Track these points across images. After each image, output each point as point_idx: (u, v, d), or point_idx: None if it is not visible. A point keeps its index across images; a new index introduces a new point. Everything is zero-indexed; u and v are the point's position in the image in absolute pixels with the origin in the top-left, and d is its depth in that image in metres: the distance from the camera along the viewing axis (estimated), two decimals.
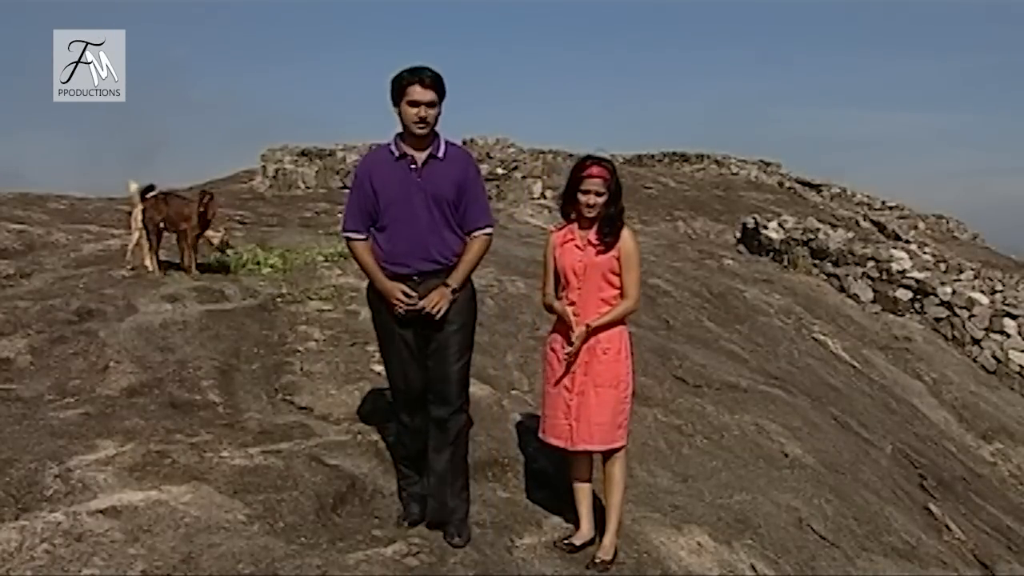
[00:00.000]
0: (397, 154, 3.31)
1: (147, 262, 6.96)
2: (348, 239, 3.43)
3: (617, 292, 3.46)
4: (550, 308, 3.61)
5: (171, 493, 3.39)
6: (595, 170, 3.41)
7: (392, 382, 3.52)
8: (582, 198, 3.41)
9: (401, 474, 3.65)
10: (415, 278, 3.30)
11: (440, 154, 3.32)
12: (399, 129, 3.32)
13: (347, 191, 3.59)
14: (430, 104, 3.22)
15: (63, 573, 2.84)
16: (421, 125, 3.23)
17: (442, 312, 3.28)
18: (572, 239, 3.51)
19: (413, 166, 3.30)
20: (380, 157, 3.39)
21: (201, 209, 6.70)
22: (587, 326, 3.41)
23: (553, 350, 3.55)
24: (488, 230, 3.43)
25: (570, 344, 3.44)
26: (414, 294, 3.28)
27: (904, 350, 10.12)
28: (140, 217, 6.95)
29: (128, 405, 4.38)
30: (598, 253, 3.43)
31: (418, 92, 3.20)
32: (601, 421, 3.42)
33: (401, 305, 3.28)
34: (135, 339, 5.25)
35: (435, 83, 3.22)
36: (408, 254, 3.30)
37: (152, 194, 6.90)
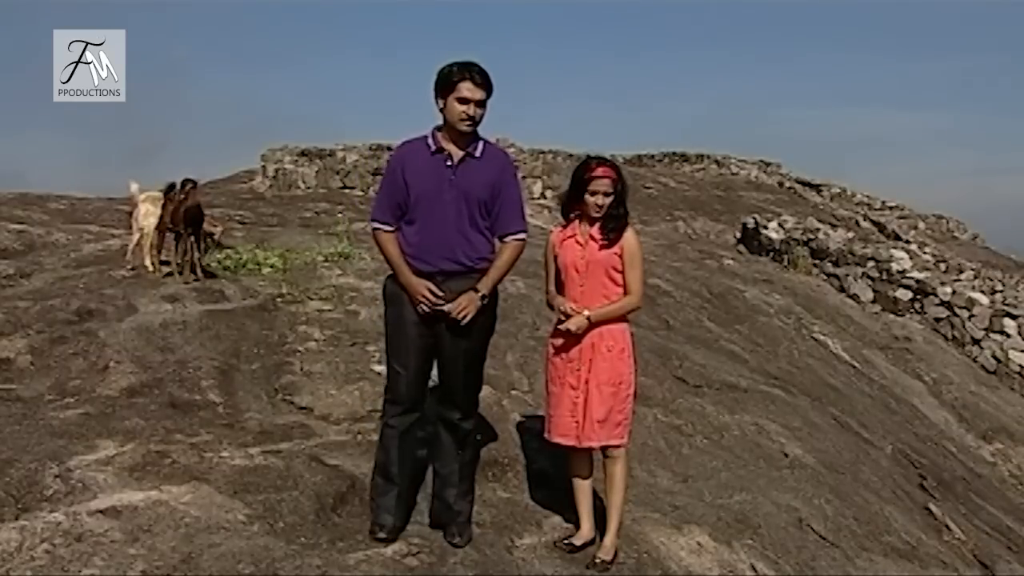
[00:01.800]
0: (434, 148, 3.24)
1: (147, 261, 6.96)
2: (375, 229, 3.33)
3: (620, 290, 3.46)
4: (552, 306, 3.61)
5: (171, 493, 3.39)
6: (603, 170, 3.40)
7: (392, 380, 3.36)
8: (590, 199, 3.40)
9: (377, 482, 3.41)
10: (438, 277, 3.22)
11: (477, 153, 3.25)
12: (439, 122, 3.25)
13: (377, 181, 3.47)
14: (479, 103, 3.17)
15: (63, 573, 2.84)
16: (468, 123, 3.17)
17: (468, 318, 3.20)
18: (573, 235, 3.50)
19: (448, 162, 3.22)
20: (415, 149, 3.28)
21: (182, 196, 6.49)
22: (588, 318, 3.40)
23: (555, 348, 3.54)
24: (521, 235, 3.33)
25: (567, 331, 3.41)
26: (441, 293, 3.19)
27: (904, 350, 10.12)
28: (153, 216, 6.88)
29: (128, 405, 4.38)
30: (600, 248, 3.43)
31: (469, 89, 3.14)
32: (603, 418, 3.42)
33: (426, 303, 3.19)
34: (135, 339, 5.25)
35: (486, 81, 3.17)
36: (433, 252, 3.22)
37: (172, 193, 6.83)
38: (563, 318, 3.44)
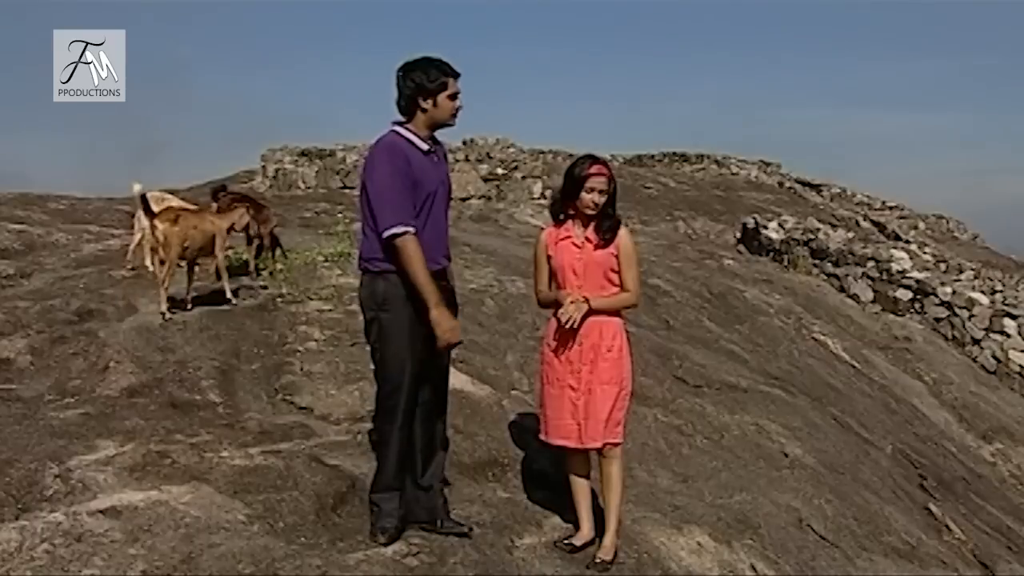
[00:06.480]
0: (427, 147, 3.21)
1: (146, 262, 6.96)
2: (405, 234, 3.04)
3: (617, 290, 3.48)
4: (546, 302, 3.61)
5: (171, 493, 3.39)
6: (598, 168, 3.43)
7: (399, 388, 3.19)
8: (587, 196, 3.41)
9: (381, 488, 3.29)
10: (436, 274, 3.19)
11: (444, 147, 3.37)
12: (400, 119, 3.22)
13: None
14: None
15: (63, 573, 2.84)
16: (456, 118, 3.25)
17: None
18: (568, 236, 3.50)
19: (436, 159, 3.27)
20: (407, 146, 3.18)
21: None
22: (588, 303, 3.38)
23: (552, 349, 3.54)
24: None
25: (565, 323, 3.39)
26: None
27: (904, 350, 10.11)
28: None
29: (128, 405, 4.39)
30: (596, 248, 3.44)
31: (455, 85, 3.21)
32: (605, 418, 3.42)
33: (449, 340, 3.12)
34: (135, 339, 5.25)
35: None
36: (438, 251, 3.24)
37: (223, 195, 6.83)
38: (565, 319, 3.43)
